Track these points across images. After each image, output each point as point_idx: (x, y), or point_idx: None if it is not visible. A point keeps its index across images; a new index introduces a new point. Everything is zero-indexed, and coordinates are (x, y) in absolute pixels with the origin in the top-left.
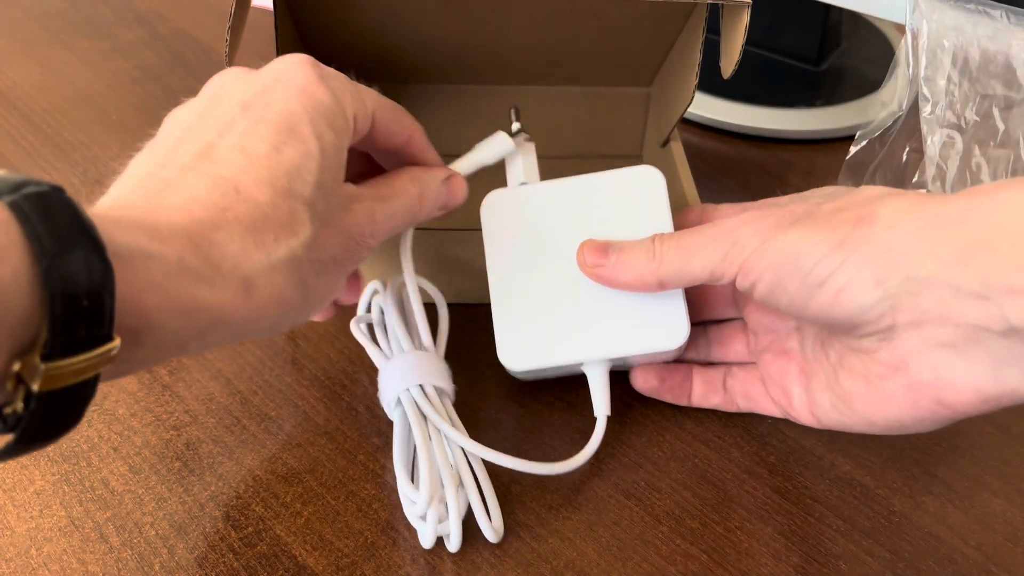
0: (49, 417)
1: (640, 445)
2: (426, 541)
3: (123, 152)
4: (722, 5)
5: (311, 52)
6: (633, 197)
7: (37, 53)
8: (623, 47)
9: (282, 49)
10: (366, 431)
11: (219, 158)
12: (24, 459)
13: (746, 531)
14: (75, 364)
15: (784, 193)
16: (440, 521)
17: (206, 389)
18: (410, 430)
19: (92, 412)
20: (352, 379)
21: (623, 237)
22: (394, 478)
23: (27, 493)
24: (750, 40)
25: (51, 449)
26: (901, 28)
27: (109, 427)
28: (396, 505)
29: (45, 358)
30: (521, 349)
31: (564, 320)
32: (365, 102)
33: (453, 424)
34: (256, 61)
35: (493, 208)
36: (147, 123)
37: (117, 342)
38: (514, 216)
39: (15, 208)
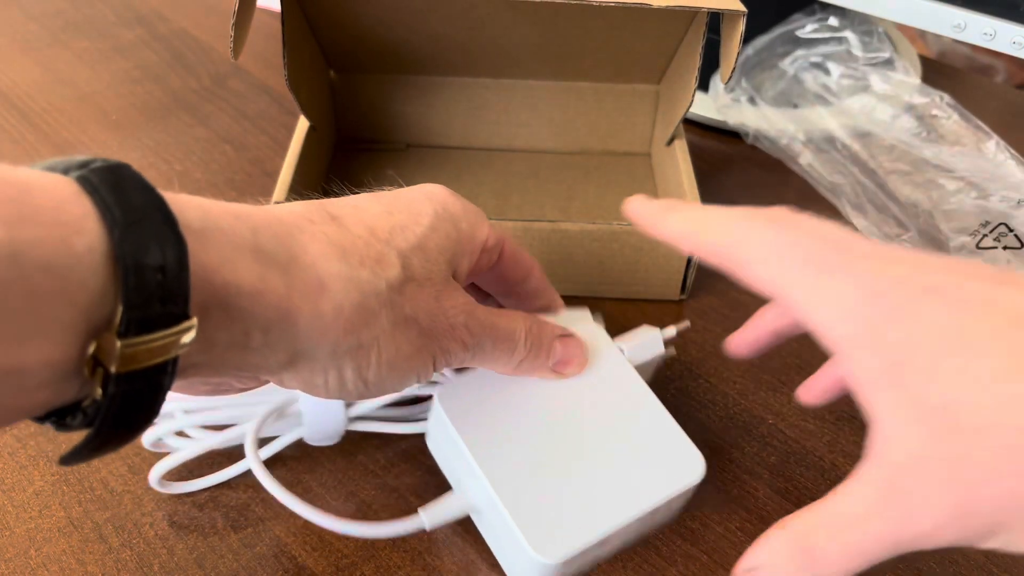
0: (128, 404)
1: None
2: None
3: (122, 151)
4: (721, 13)
5: (321, 44)
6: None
7: (37, 53)
8: (632, 45)
9: (290, 42)
10: (366, 431)
11: (330, 204)
12: (23, 459)
13: (747, 532)
14: (152, 342)
15: (784, 191)
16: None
17: None
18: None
19: None
20: None
21: (596, 396)
22: (395, 478)
23: (26, 494)
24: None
25: (50, 449)
26: (902, 28)
27: None
28: (396, 506)
29: (120, 335)
30: (551, 538)
31: (581, 494)
32: (497, 230)
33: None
34: (257, 61)
35: (451, 401)
36: (146, 123)
37: (194, 320)
38: (478, 403)
39: (83, 182)
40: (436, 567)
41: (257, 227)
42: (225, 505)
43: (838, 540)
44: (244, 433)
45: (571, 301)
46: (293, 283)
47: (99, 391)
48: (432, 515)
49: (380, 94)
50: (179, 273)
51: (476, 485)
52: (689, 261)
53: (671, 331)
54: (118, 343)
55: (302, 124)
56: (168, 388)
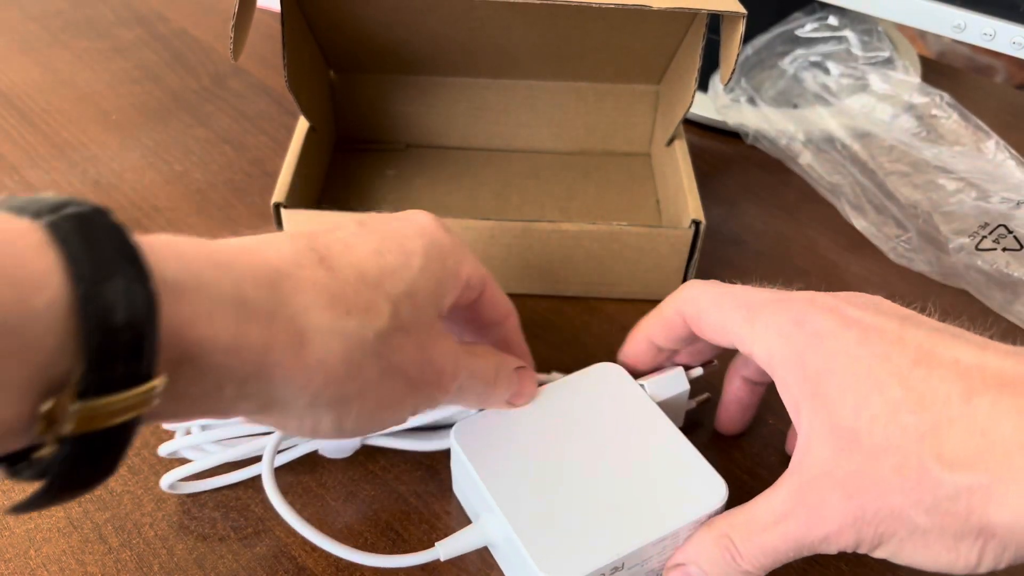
0: (83, 464)
1: None
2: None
3: (122, 152)
4: (721, 15)
5: (321, 45)
6: (608, 397)
7: (36, 53)
8: (631, 46)
9: (290, 43)
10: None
11: (318, 242)
12: None
13: None
14: (112, 404)
15: (784, 191)
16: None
17: None
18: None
19: None
20: None
21: (615, 429)
22: (394, 479)
23: (26, 494)
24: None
25: None
26: (902, 28)
27: None
28: (395, 506)
29: (79, 397)
30: (561, 560)
31: (595, 520)
32: (480, 267)
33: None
34: (257, 61)
35: (467, 437)
36: (146, 123)
37: (159, 381)
38: (495, 438)
39: (54, 229)
40: (436, 567)
41: (241, 277)
42: (225, 505)
43: (755, 540)
44: (257, 449)
45: (571, 301)
46: (274, 336)
47: (51, 448)
48: (448, 548)
49: (380, 94)
50: (148, 332)
51: (491, 516)
52: (689, 261)
53: (697, 370)
54: (75, 406)
55: (302, 124)
56: (129, 445)
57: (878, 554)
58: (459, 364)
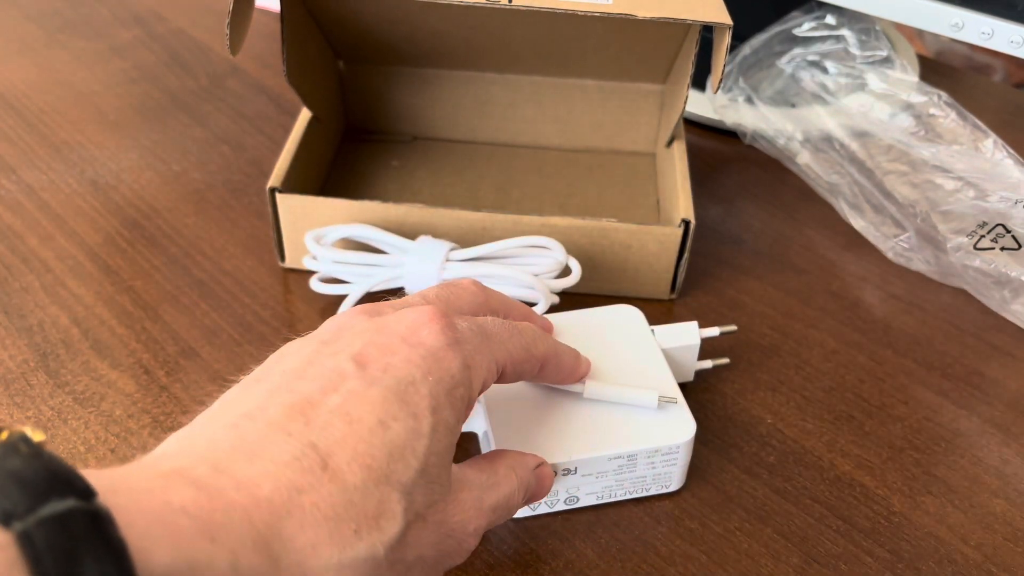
0: None
1: None
2: None
3: (120, 152)
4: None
5: (327, 37)
6: (618, 332)
7: (34, 53)
8: (635, 45)
9: (291, 35)
10: None
11: (316, 420)
12: None
13: (745, 532)
14: None
15: (782, 191)
16: None
17: (204, 390)
18: None
19: (89, 414)
20: None
21: (614, 360)
22: None
23: None
24: None
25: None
26: (900, 27)
27: (106, 429)
28: None
29: None
30: (518, 448)
31: (565, 425)
32: (496, 359)
33: None
34: (256, 62)
35: None
36: (144, 123)
37: None
38: None
39: (26, 543)
40: None
41: (237, 543)
42: None
43: None
44: None
45: (561, 297)
46: None
47: None
48: None
49: (388, 86)
50: None
51: (480, 406)
52: (679, 259)
53: (713, 331)
54: None
55: (305, 113)
56: None
57: None
58: (481, 513)
